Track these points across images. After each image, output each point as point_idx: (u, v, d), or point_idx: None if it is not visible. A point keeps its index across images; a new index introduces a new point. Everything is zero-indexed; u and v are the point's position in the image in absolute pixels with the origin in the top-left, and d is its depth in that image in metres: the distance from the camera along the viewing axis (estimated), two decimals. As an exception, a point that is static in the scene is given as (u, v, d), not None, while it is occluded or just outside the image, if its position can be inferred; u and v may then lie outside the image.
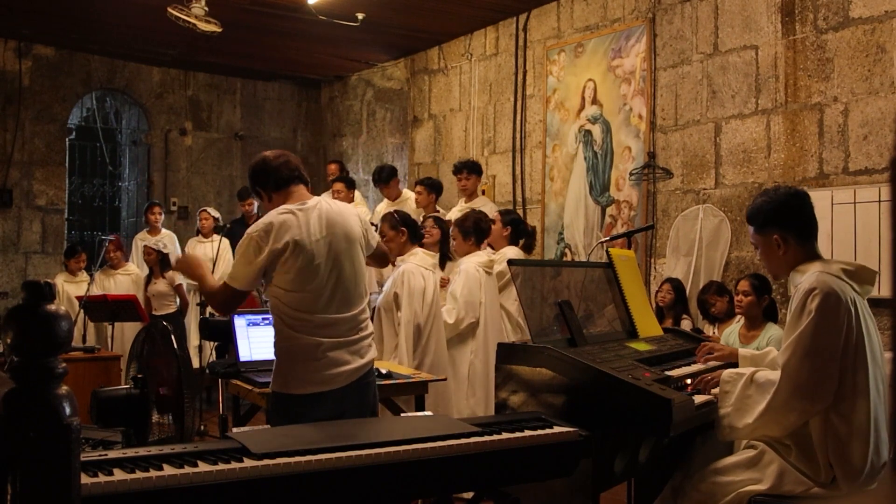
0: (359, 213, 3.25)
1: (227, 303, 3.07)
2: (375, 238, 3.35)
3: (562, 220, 6.78)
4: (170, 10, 6.28)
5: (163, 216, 8.10)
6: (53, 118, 8.74)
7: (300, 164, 3.17)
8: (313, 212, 3.02)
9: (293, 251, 2.91)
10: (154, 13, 6.68)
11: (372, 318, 3.38)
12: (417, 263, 4.53)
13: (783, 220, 2.80)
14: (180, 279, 7.16)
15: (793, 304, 2.69)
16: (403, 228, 4.55)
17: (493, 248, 5.26)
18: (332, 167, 8.25)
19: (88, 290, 6.65)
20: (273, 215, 2.98)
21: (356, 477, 2.10)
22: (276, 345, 3.02)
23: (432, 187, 6.61)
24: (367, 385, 3.09)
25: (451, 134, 8.08)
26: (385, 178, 7.13)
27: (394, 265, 4.59)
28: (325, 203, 3.11)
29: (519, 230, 5.37)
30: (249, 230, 2.99)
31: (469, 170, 6.58)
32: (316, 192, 10.45)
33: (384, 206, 6.98)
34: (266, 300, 7.24)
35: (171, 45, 8.29)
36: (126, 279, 7.40)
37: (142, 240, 7.86)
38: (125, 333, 6.82)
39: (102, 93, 9.56)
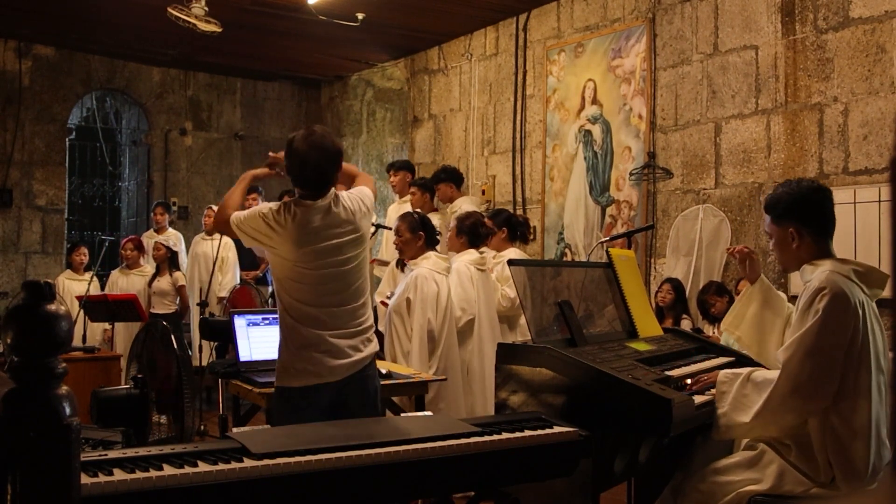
0: (365, 201, 3.16)
1: (219, 223, 3.21)
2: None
3: (562, 220, 6.78)
4: (170, 10, 6.28)
5: (167, 216, 8.09)
6: (53, 118, 8.73)
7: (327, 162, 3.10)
8: (322, 202, 3.02)
9: (293, 237, 2.96)
10: (154, 13, 6.68)
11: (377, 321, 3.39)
12: (430, 268, 4.49)
13: (801, 213, 2.75)
14: (183, 281, 7.15)
15: (800, 302, 2.66)
16: (422, 233, 4.54)
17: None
18: None
19: (89, 289, 6.64)
20: (285, 201, 3.04)
21: (356, 477, 2.10)
22: (280, 336, 3.06)
23: (426, 188, 6.63)
24: (368, 378, 3.10)
25: (451, 134, 8.08)
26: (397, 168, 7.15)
27: (403, 269, 4.57)
28: (335, 194, 3.08)
29: (512, 225, 5.34)
30: (263, 206, 3.04)
31: (435, 181, 6.74)
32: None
33: (395, 208, 6.97)
34: (268, 300, 7.29)
35: (171, 45, 8.29)
36: (142, 280, 7.24)
37: (149, 237, 7.84)
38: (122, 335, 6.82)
39: (102, 93, 9.56)
